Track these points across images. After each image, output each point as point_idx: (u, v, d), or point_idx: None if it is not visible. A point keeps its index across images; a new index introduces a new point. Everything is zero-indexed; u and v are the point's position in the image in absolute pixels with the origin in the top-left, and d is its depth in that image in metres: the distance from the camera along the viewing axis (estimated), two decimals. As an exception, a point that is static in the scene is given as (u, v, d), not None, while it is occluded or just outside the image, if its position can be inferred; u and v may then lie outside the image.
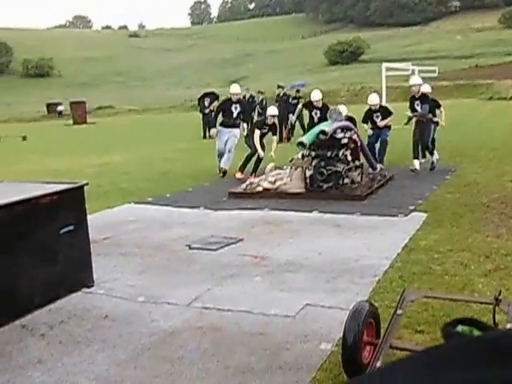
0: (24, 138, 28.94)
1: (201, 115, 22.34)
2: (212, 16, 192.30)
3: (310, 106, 11.43)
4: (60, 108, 55.35)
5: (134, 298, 4.76)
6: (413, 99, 10.75)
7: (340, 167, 8.56)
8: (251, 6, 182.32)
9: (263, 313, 4.28)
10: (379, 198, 8.56)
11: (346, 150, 8.89)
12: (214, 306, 4.48)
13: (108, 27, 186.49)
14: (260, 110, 20.47)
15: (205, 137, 21.57)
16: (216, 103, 22.34)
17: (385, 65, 25.64)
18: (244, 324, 4.12)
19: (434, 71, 33.81)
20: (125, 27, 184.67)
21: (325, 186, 8.46)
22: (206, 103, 22.16)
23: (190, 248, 6.20)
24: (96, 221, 6.93)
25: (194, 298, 4.66)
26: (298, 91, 21.53)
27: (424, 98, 10.63)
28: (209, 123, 21.92)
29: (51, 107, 62.58)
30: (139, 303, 4.66)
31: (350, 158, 8.99)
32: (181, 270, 5.51)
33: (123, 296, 4.83)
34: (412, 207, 7.71)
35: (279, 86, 20.82)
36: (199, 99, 23.23)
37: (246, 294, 4.70)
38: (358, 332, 3.10)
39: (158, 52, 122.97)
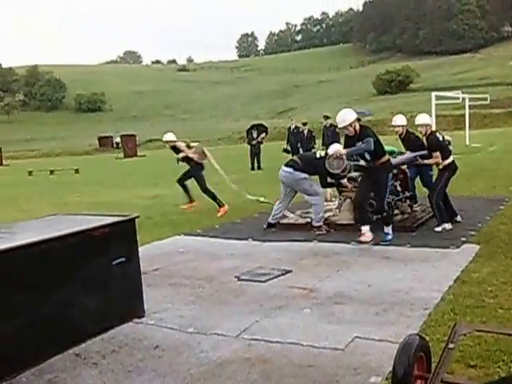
0: (77, 171, 29.73)
1: (249, 147, 22.64)
2: (259, 48, 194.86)
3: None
4: (117, 139, 56.91)
5: (184, 329, 4.81)
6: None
7: (389, 198, 8.49)
8: (298, 38, 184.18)
9: (312, 345, 4.26)
10: (430, 229, 8.44)
11: (396, 180, 8.82)
12: (263, 337, 4.48)
13: (157, 62, 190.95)
14: (305, 142, 20.56)
15: (253, 168, 21.80)
16: (264, 135, 22.64)
17: (434, 93, 25.37)
18: (293, 356, 4.10)
19: (485, 99, 33.22)
20: (174, 61, 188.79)
21: (374, 217, 8.40)
22: (254, 135, 22.46)
23: (239, 279, 6.24)
24: (146, 252, 7.05)
25: (243, 330, 4.67)
26: (358, 120, 21.40)
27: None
28: (256, 155, 22.23)
29: (103, 140, 64.21)
30: (189, 334, 4.70)
31: (399, 188, 8.91)
32: (229, 301, 5.54)
33: (173, 326, 4.88)
34: (464, 239, 7.57)
35: (326, 117, 20.77)
36: (247, 131, 23.60)
37: (295, 326, 4.69)
38: (408, 366, 3.05)
39: (206, 85, 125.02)
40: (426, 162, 8.75)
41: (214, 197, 11.51)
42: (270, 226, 9.07)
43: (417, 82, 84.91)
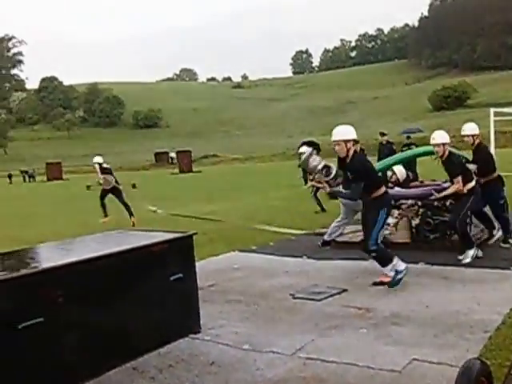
0: (134, 186, 30.31)
1: None
2: (314, 65, 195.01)
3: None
4: (172, 155, 58.04)
5: (239, 346, 4.83)
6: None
7: (448, 217, 8.34)
8: (353, 54, 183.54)
9: (369, 366, 4.21)
10: (489, 249, 8.24)
11: (454, 199, 8.65)
12: (318, 356, 4.46)
13: (213, 79, 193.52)
14: None
15: (306, 184, 21.70)
16: (315, 152, 22.54)
17: (493, 110, 24.80)
18: (349, 376, 4.07)
19: (546, 114, 32.22)
20: (229, 78, 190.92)
21: (431, 236, 8.26)
22: None
23: (294, 297, 6.23)
24: (202, 268, 7.09)
25: (299, 348, 4.67)
26: (408, 137, 21.16)
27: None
28: (306, 171, 22.09)
29: (160, 156, 65.36)
30: (244, 351, 4.72)
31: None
32: (285, 319, 5.54)
33: (229, 343, 4.92)
34: (524, 259, 7.37)
35: (382, 134, 20.52)
36: (299, 148, 23.55)
37: (351, 346, 4.65)
38: (469, 391, 2.99)
39: (260, 102, 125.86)
40: (443, 194, 7.88)
41: (104, 206, 14.53)
42: (324, 243, 9.04)
43: (474, 98, 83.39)
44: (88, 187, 31.93)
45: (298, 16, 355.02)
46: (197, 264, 5.39)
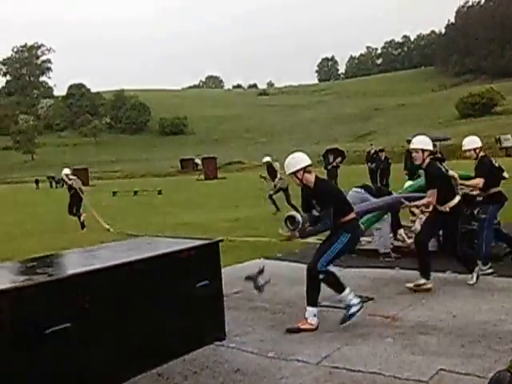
0: (159, 192, 30.52)
1: (325, 171, 22.36)
2: (339, 72, 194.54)
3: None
4: (197, 161, 58.51)
5: (265, 354, 4.82)
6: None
7: (475, 226, 8.24)
8: (379, 61, 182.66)
9: (395, 375, 4.18)
10: (518, 258, 8.13)
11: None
12: (344, 365, 4.44)
13: (239, 86, 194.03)
14: (381, 168, 20.37)
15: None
16: (339, 159, 22.37)
17: (521, 117, 24.54)
18: (375, 386, 4.04)
19: None
20: (254, 86, 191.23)
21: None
22: (331, 159, 22.27)
23: (319, 305, 6.19)
24: (227, 275, 7.08)
25: (324, 357, 4.64)
26: (434, 145, 20.92)
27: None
28: (333, 179, 21.91)
29: (185, 163, 65.73)
30: (269, 359, 4.71)
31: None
32: (310, 327, 5.52)
33: (254, 351, 4.91)
34: (555, 269, 7.24)
35: (409, 141, 20.40)
36: (324, 155, 23.46)
37: (377, 355, 4.61)
38: (498, 403, 2.94)
39: (285, 109, 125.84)
40: (414, 203, 7.14)
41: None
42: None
43: (502, 105, 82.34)
44: (114, 193, 32.23)
45: (324, 24, 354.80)
46: (222, 271, 5.41)
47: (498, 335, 4.93)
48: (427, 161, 6.68)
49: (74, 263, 5.10)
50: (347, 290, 5.63)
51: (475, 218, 8.36)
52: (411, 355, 4.58)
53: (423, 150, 6.65)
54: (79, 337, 4.00)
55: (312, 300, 5.66)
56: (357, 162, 38.72)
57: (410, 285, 6.52)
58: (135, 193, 31.64)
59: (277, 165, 16.52)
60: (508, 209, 9.13)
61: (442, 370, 4.23)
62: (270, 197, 16.14)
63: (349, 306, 5.55)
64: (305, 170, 5.76)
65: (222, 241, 5.33)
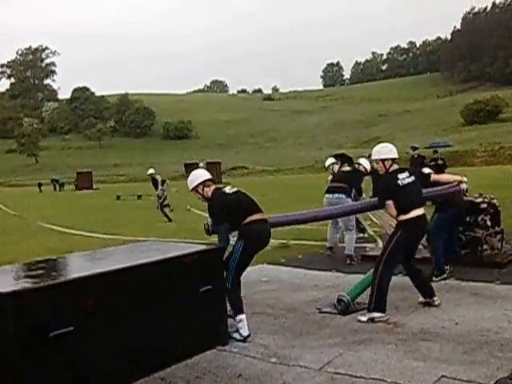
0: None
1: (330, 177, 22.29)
2: (344, 78, 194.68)
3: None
4: (201, 165, 58.61)
5: (267, 359, 4.83)
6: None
7: (479, 233, 8.25)
8: (384, 67, 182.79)
9: (397, 382, 4.17)
10: (521, 266, 8.13)
11: (486, 215, 8.56)
12: (346, 371, 4.44)
13: (243, 91, 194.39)
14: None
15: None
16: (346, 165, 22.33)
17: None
18: (377, 393, 4.04)
19: None
20: (259, 90, 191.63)
21: (463, 251, 8.17)
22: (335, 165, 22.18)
23: (320, 311, 6.22)
24: (231, 279, 7.15)
25: (326, 363, 4.65)
26: (435, 152, 20.79)
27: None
28: None
29: (190, 167, 65.72)
30: (271, 364, 4.72)
31: (489, 223, 8.63)
32: (312, 332, 5.53)
33: (256, 356, 4.92)
34: (558, 277, 7.23)
35: (414, 148, 20.40)
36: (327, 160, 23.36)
37: (379, 362, 4.61)
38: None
39: (290, 114, 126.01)
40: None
41: None
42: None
43: (506, 112, 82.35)
44: (118, 197, 32.27)
45: (329, 29, 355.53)
46: (225, 276, 5.42)
47: (500, 342, 4.92)
48: (391, 170, 6.15)
49: (78, 267, 5.12)
50: (242, 317, 5.39)
51: (479, 225, 8.38)
52: (413, 361, 4.58)
53: (383, 160, 6.17)
54: (82, 340, 4.01)
55: (235, 312, 5.45)
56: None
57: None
58: (139, 197, 31.67)
59: (158, 177, 19.03)
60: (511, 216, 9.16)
61: (443, 376, 4.22)
62: (161, 209, 18.31)
63: (236, 330, 5.38)
64: (204, 184, 5.77)
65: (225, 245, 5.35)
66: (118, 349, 4.28)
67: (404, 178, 6.03)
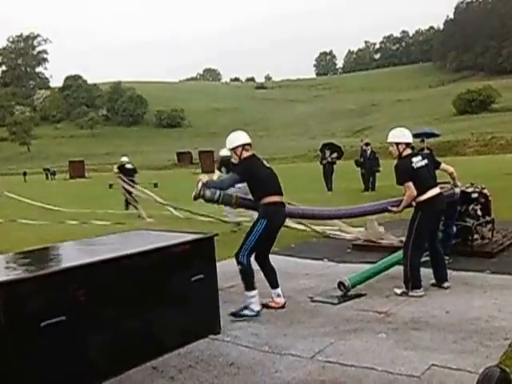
0: (155, 185, 30.48)
1: (321, 166, 22.25)
2: (337, 67, 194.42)
3: None
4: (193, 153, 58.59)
5: (259, 347, 4.86)
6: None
7: (469, 222, 8.29)
8: (377, 56, 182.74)
9: (387, 370, 4.21)
10: (511, 255, 8.18)
11: (476, 204, 8.60)
12: (337, 360, 4.47)
13: (236, 79, 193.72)
14: (367, 161, 20.83)
15: (328, 188, 21.28)
16: (335, 155, 22.31)
17: (517, 114, 24.58)
18: (368, 381, 4.08)
19: None
20: (252, 79, 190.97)
21: (453, 241, 8.22)
22: (327, 154, 22.18)
23: (312, 300, 6.25)
24: (222, 268, 7.10)
25: (317, 351, 4.68)
26: (422, 141, 20.80)
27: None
28: (328, 175, 21.87)
29: (182, 156, 65.66)
30: (263, 353, 4.74)
31: (480, 212, 8.68)
32: (304, 321, 5.56)
33: (248, 344, 4.94)
34: (548, 266, 7.28)
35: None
36: (320, 150, 23.36)
37: (370, 351, 4.65)
38: (488, 399, 2.98)
39: (283, 103, 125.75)
40: (402, 206, 6.53)
41: None
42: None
43: (499, 102, 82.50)
44: (110, 186, 32.18)
45: (322, 18, 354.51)
46: (217, 264, 5.44)
47: (489, 331, 4.97)
48: (404, 154, 6.46)
49: (69, 256, 5.12)
50: (255, 292, 5.74)
51: (469, 214, 8.41)
52: (404, 350, 4.62)
53: (397, 144, 6.48)
54: (74, 330, 4.02)
55: (246, 286, 5.80)
56: (354, 157, 38.71)
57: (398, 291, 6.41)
58: (131, 185, 31.56)
59: (129, 166, 17.79)
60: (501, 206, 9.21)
61: (434, 365, 4.27)
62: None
63: (246, 307, 5.70)
64: (243, 147, 5.95)
65: (217, 235, 5.36)
66: (110, 338, 4.29)
67: (417, 162, 6.38)
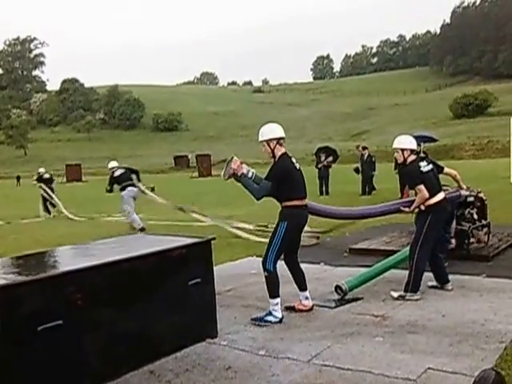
0: (152, 189, 30.44)
1: (316, 170, 22.17)
2: (334, 71, 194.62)
3: None
4: (190, 156, 58.68)
5: (256, 351, 4.87)
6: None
7: (465, 226, 8.33)
8: (374, 60, 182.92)
9: (384, 374, 4.23)
10: (507, 259, 8.21)
11: (472, 208, 8.64)
12: (334, 363, 4.49)
13: (233, 83, 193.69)
14: (364, 166, 20.85)
15: (321, 193, 21.20)
16: (330, 158, 22.31)
17: (514, 118, 24.65)
18: (364, 384, 4.10)
19: None
20: (249, 83, 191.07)
21: (451, 245, 8.25)
22: (322, 158, 22.17)
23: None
24: (220, 272, 7.15)
25: (314, 355, 4.70)
26: (419, 145, 20.86)
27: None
28: (323, 179, 21.84)
29: (179, 159, 65.67)
30: (260, 356, 4.76)
31: (476, 216, 8.72)
32: (301, 325, 5.58)
33: (245, 348, 4.96)
34: (544, 270, 7.31)
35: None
36: (315, 154, 23.32)
37: (366, 354, 4.67)
38: (483, 401, 3.01)
39: (280, 106, 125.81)
40: (413, 207, 6.57)
41: None
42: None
43: (495, 106, 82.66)
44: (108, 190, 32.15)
45: (319, 23, 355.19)
46: (215, 268, 5.45)
47: (485, 334, 5.00)
48: (409, 160, 6.60)
49: (66, 260, 5.13)
50: (278, 300, 5.73)
51: (465, 218, 8.46)
52: (400, 354, 4.64)
53: (402, 150, 6.62)
54: (71, 334, 4.03)
55: (271, 294, 5.77)
56: (351, 161, 38.74)
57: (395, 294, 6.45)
58: (128, 189, 31.56)
59: (47, 175, 20.63)
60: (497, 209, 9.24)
61: (430, 368, 4.29)
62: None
63: (269, 314, 5.69)
64: (278, 141, 5.87)
65: (214, 239, 5.37)
66: (108, 342, 4.30)
67: (424, 166, 6.53)
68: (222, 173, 6.07)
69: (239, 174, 5.87)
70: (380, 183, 21.48)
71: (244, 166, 5.95)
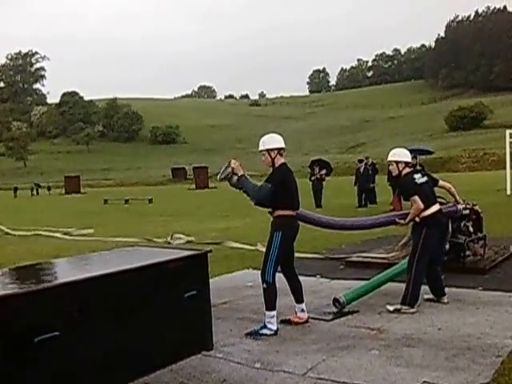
0: (150, 201, 30.53)
1: (310, 183, 22.21)
2: (330, 84, 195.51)
3: None
4: (187, 168, 58.92)
5: (251, 364, 4.85)
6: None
7: (461, 239, 8.34)
8: (369, 74, 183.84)
9: (379, 387, 4.22)
10: (503, 272, 8.21)
11: (468, 221, 8.66)
12: (330, 377, 4.47)
13: (231, 96, 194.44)
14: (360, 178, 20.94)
15: (317, 205, 21.16)
16: (324, 171, 22.37)
17: (508, 131, 24.75)
18: (360, 398, 4.09)
19: None
20: (246, 96, 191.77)
21: (445, 258, 8.26)
22: (316, 170, 22.25)
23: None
24: (216, 285, 7.15)
25: (310, 368, 4.68)
26: (415, 157, 20.91)
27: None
28: (317, 191, 21.86)
29: (177, 172, 65.84)
30: (256, 369, 4.74)
31: (471, 229, 8.73)
32: (296, 338, 5.56)
33: (240, 361, 4.94)
34: (540, 283, 7.32)
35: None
36: (309, 166, 23.39)
37: (362, 367, 4.66)
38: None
39: (277, 120, 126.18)
40: (408, 219, 6.62)
41: None
42: None
43: (490, 119, 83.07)
44: (105, 201, 32.21)
45: (315, 36, 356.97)
46: (210, 281, 5.45)
47: (481, 348, 4.99)
48: (404, 172, 6.65)
49: (63, 272, 5.12)
50: (274, 313, 5.73)
51: (461, 231, 8.46)
52: (396, 367, 4.62)
53: (397, 162, 6.68)
54: (67, 345, 4.02)
55: (268, 306, 5.75)
56: (347, 174, 38.84)
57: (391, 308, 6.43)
58: (126, 201, 31.67)
59: None
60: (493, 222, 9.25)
61: (425, 382, 4.27)
62: None
63: (264, 327, 5.68)
64: (279, 151, 5.98)
65: (210, 251, 5.37)
66: (104, 354, 4.29)
67: (419, 178, 6.60)
68: (219, 175, 6.13)
69: (239, 174, 5.92)
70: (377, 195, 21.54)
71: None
